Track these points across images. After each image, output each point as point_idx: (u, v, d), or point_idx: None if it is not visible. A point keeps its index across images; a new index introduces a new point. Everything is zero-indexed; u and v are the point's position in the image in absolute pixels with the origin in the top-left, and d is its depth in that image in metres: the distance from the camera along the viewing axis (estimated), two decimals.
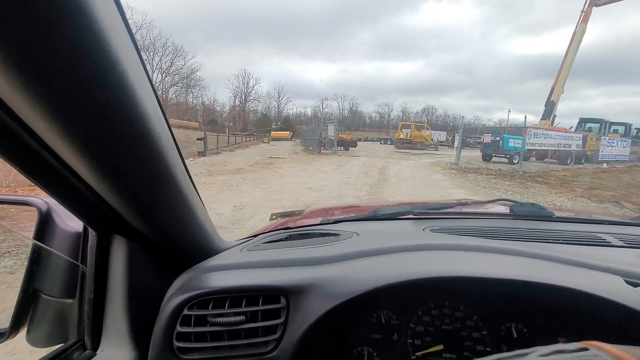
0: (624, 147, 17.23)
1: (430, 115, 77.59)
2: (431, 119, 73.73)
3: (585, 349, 0.21)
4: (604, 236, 0.81)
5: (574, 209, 4.08)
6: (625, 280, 0.56)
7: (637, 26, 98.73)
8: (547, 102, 17.77)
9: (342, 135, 22.00)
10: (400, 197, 6.04)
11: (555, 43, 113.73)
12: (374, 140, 44.42)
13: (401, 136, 26.42)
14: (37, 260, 0.62)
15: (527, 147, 12.40)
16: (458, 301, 0.65)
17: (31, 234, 0.64)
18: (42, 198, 0.67)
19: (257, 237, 0.91)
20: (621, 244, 0.76)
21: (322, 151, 17.23)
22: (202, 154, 14.08)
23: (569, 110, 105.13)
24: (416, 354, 0.64)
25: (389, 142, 37.48)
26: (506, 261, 0.64)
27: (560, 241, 0.77)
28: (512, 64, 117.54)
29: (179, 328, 0.58)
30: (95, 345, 0.61)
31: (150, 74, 0.46)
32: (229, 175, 8.29)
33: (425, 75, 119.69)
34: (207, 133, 16.02)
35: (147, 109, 0.43)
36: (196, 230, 0.67)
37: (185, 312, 0.58)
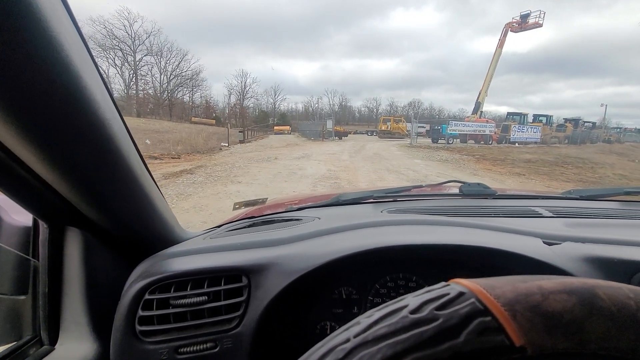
0: (534, 133, 23.66)
1: (417, 109, 79.24)
2: (417, 112, 75.26)
3: (448, 285, 0.23)
4: (537, 209, 0.91)
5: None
6: (543, 241, 0.64)
7: (584, 26, 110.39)
8: (476, 101, 25.59)
9: (337, 128, 28.76)
10: (367, 154, 13.34)
11: (515, 42, 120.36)
12: (362, 133, 49.34)
13: (383, 128, 31.19)
14: None
15: (450, 133, 19.59)
16: (411, 273, 0.71)
17: None
18: None
19: (221, 227, 0.93)
20: (550, 214, 0.87)
21: (323, 139, 24.40)
22: (242, 141, 20.41)
23: (542, 102, 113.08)
24: None
25: (374, 134, 41.50)
26: (450, 231, 0.71)
27: (501, 215, 0.86)
28: (482, 60, 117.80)
29: (140, 312, 0.58)
30: (53, 340, 0.59)
31: (99, 67, 0.46)
32: (281, 149, 15.64)
33: (403, 71, 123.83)
34: (246, 128, 22.85)
35: (95, 96, 0.43)
36: (154, 220, 0.67)
37: (147, 296, 0.58)
